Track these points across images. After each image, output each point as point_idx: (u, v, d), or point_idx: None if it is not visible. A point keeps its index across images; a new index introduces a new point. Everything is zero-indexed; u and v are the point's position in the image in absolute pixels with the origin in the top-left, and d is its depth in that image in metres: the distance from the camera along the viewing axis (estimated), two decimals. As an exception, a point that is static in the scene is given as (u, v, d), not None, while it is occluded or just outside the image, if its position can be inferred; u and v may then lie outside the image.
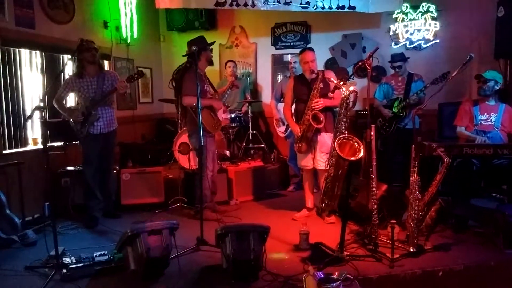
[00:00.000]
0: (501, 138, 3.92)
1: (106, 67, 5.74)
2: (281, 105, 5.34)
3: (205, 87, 4.29)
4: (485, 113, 3.99)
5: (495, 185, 4.16)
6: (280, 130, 5.70)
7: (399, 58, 4.99)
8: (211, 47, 4.33)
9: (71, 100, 4.72)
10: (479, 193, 4.19)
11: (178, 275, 2.88)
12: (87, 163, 4.19)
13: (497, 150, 3.61)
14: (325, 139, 4.05)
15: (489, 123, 3.96)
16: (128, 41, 5.97)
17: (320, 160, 4.06)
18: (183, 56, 4.37)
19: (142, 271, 2.76)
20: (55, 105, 4.11)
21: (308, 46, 6.55)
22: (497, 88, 4.02)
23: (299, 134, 4.06)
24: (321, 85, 3.98)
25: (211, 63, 4.42)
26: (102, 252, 3.05)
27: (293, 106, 4.29)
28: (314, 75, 4.03)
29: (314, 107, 3.95)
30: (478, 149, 3.63)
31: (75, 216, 4.28)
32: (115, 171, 4.72)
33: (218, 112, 4.37)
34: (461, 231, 3.63)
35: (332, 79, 3.90)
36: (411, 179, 3.28)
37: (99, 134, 4.15)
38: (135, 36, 6.02)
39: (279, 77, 6.77)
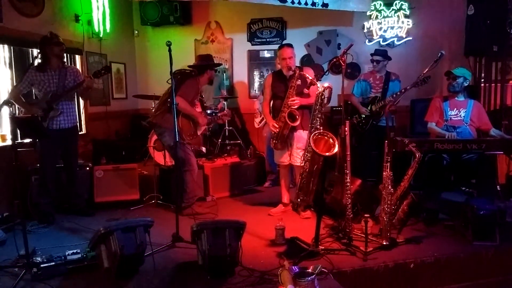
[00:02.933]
0: (470, 133, 4.04)
1: (78, 62, 5.62)
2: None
3: (196, 101, 4.41)
4: (455, 109, 4.10)
5: (464, 179, 4.28)
6: (257, 120, 5.73)
7: (380, 52, 5.02)
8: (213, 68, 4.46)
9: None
10: (449, 187, 4.31)
11: (153, 272, 2.85)
12: (45, 160, 4.07)
13: (466, 145, 3.71)
14: (302, 136, 4.07)
15: (459, 118, 4.07)
16: (101, 36, 5.83)
17: (296, 156, 4.09)
18: (189, 66, 4.46)
19: (116, 269, 2.71)
20: (13, 100, 3.99)
21: (283, 42, 6.59)
22: (466, 84, 4.14)
23: (276, 131, 4.07)
24: (298, 82, 4.00)
25: (211, 83, 4.62)
26: (75, 251, 3.00)
27: (271, 102, 4.30)
28: (291, 72, 4.03)
29: (290, 105, 3.96)
30: (448, 144, 3.72)
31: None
32: (88, 168, 4.62)
33: (199, 129, 4.40)
34: (432, 224, 3.73)
35: (307, 75, 3.92)
36: (384, 174, 3.34)
37: (59, 130, 4.04)
38: (107, 30, 5.89)
39: (256, 73, 6.78)
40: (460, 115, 4.07)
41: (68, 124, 4.11)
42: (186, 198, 4.20)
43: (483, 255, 3.21)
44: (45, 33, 4.04)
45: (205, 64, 4.32)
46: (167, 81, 4.14)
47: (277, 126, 4.06)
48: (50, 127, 3.98)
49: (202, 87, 4.49)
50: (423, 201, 3.80)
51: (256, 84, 6.78)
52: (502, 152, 4.06)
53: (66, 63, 4.34)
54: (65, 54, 5.29)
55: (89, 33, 5.73)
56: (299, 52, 6.50)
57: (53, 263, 2.84)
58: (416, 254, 3.14)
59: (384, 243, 3.26)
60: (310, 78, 3.87)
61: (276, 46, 6.52)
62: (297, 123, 3.95)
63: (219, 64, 4.42)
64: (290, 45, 4.14)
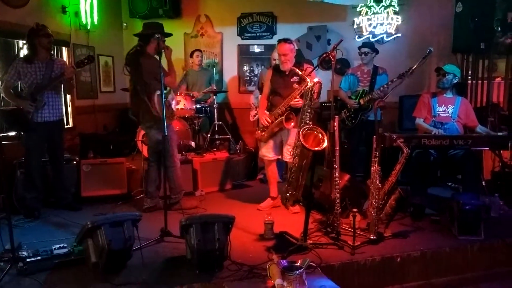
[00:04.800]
0: (457, 129, 4.08)
1: (65, 54, 5.54)
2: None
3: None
4: (443, 105, 4.14)
5: (451, 175, 4.35)
6: (252, 113, 5.75)
7: (368, 45, 5.03)
8: (161, 36, 3.87)
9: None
10: (436, 183, 4.37)
11: (141, 267, 2.83)
12: (30, 153, 4.01)
13: (453, 141, 3.76)
14: (294, 133, 4.00)
15: (447, 114, 4.11)
16: (88, 28, 5.76)
17: (287, 153, 4.07)
18: (134, 35, 4.12)
19: (104, 263, 2.69)
20: (3, 94, 3.92)
21: (274, 37, 6.59)
22: (455, 81, 4.18)
23: (265, 124, 4.06)
24: (296, 79, 3.96)
25: (159, 53, 3.77)
26: (62, 245, 2.95)
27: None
28: (287, 68, 3.96)
29: (293, 105, 3.90)
30: (435, 140, 3.77)
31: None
32: (74, 162, 4.57)
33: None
34: (419, 219, 3.77)
35: (297, 70, 3.91)
36: (372, 169, 3.37)
37: (43, 123, 3.98)
38: (95, 22, 5.82)
39: (246, 68, 6.76)
40: (448, 112, 4.12)
41: (54, 117, 4.05)
42: (173, 194, 4.14)
43: (468, 249, 3.26)
44: (31, 24, 3.96)
45: (149, 33, 3.89)
46: (123, 72, 4.05)
47: (269, 120, 4.04)
48: (35, 120, 3.91)
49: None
50: (410, 196, 3.85)
51: (246, 79, 6.76)
52: (488, 148, 4.13)
53: (53, 55, 4.27)
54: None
55: (76, 25, 5.65)
56: (289, 47, 6.49)
57: (39, 258, 2.81)
58: (402, 248, 3.18)
59: (372, 237, 3.29)
60: (300, 73, 3.85)
61: (266, 41, 6.58)
62: (291, 126, 3.93)
63: (168, 34, 3.97)
64: (287, 40, 4.01)
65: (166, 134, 3.44)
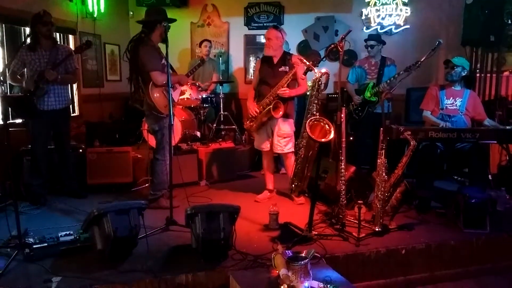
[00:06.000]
0: (464, 122, 4.05)
1: (71, 42, 5.52)
2: None
3: (163, 62, 3.80)
4: (451, 98, 4.10)
5: (457, 168, 4.32)
6: None
7: (374, 37, 4.98)
8: (168, 24, 3.64)
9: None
10: (442, 176, 4.34)
11: (147, 255, 2.84)
12: (36, 141, 4.02)
13: (461, 134, 3.73)
14: (284, 124, 4.01)
15: (454, 107, 4.07)
16: (95, 16, 5.75)
17: (278, 144, 4.04)
18: (137, 22, 3.98)
19: (109, 251, 2.71)
20: (10, 81, 3.92)
21: (281, 27, 6.52)
22: (464, 74, 4.13)
23: (254, 114, 4.03)
24: (286, 69, 3.95)
25: (164, 40, 3.64)
26: (68, 232, 2.98)
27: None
28: (271, 52, 3.97)
29: (280, 94, 3.89)
30: (442, 133, 3.74)
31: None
32: (80, 150, 4.59)
33: (174, 92, 4.04)
34: (424, 212, 3.76)
35: (305, 60, 3.88)
36: (378, 161, 3.35)
37: (49, 111, 3.97)
38: (102, 10, 5.80)
39: (252, 58, 6.73)
40: (456, 104, 4.08)
41: (59, 105, 4.05)
42: (153, 190, 3.95)
43: (473, 243, 3.25)
44: (37, 12, 3.95)
45: (153, 20, 3.75)
46: (123, 59, 3.91)
47: (257, 110, 4.01)
48: (40, 107, 3.91)
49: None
50: (416, 189, 3.83)
51: (253, 69, 6.73)
52: (495, 142, 4.09)
53: (58, 42, 4.25)
54: (58, 34, 5.25)
55: (83, 13, 5.64)
56: (296, 38, 6.46)
57: (46, 244, 2.82)
58: (407, 240, 3.18)
59: (377, 229, 3.29)
60: (308, 63, 3.82)
61: (273, 31, 6.51)
62: (279, 115, 3.90)
63: (172, 20, 3.75)
64: (276, 27, 4.04)
65: (172, 123, 3.41)
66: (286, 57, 4.02)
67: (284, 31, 4.11)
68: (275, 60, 4.02)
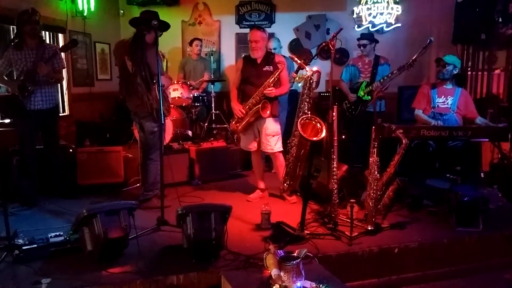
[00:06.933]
0: (456, 120, 4.06)
1: (61, 41, 5.46)
2: None
3: None
4: (442, 96, 4.11)
5: (449, 166, 4.33)
6: None
7: (367, 36, 4.98)
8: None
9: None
10: (434, 174, 4.36)
11: (138, 255, 2.82)
12: (23, 141, 3.96)
13: (452, 132, 3.74)
14: (271, 122, 3.98)
15: (446, 106, 4.08)
16: (85, 14, 5.67)
17: (267, 143, 4.00)
18: (131, 22, 3.78)
19: (99, 252, 2.67)
20: None
21: (272, 26, 6.54)
22: (455, 72, 4.14)
23: (240, 115, 3.97)
24: (270, 68, 3.91)
25: (154, 43, 3.60)
26: (58, 233, 2.93)
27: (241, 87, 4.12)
28: (258, 55, 3.91)
29: (267, 94, 3.85)
30: (434, 131, 3.75)
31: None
32: (71, 150, 4.53)
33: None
34: (417, 210, 3.77)
35: (296, 59, 3.86)
36: (370, 159, 3.35)
37: (37, 111, 3.91)
38: (92, 9, 5.73)
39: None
40: (447, 103, 4.09)
41: (47, 105, 3.99)
42: (145, 190, 3.93)
43: (466, 241, 3.25)
44: (24, 9, 3.88)
45: (157, 24, 3.47)
46: (125, 61, 3.70)
47: (243, 111, 3.96)
48: (28, 107, 3.84)
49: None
50: (408, 187, 3.83)
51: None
52: (487, 140, 4.11)
53: (45, 41, 4.18)
54: (47, 33, 5.19)
55: (72, 11, 5.57)
56: (288, 36, 6.45)
57: (35, 245, 2.78)
58: (400, 239, 3.17)
59: (369, 228, 3.28)
60: (299, 62, 3.80)
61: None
62: (267, 114, 3.87)
63: (166, 26, 3.63)
64: (259, 28, 4.00)
65: (163, 123, 3.39)
66: (269, 57, 3.98)
67: (266, 30, 4.06)
68: (259, 60, 3.96)
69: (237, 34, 6.66)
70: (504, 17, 5.17)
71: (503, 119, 4.59)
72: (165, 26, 3.62)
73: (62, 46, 3.98)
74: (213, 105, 5.86)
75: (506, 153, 4.07)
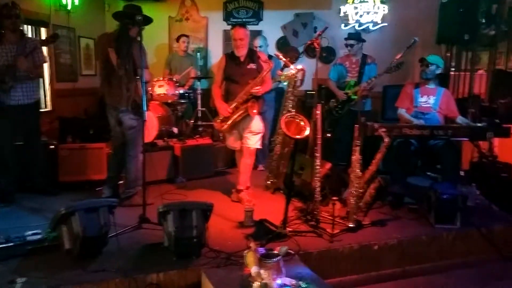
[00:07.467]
0: (438, 119, 4.11)
1: (44, 35, 5.37)
2: None
3: None
4: (425, 96, 4.16)
5: (431, 165, 4.39)
6: None
7: (354, 36, 5.00)
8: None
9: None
10: (416, 172, 4.41)
11: (118, 253, 2.80)
12: (2, 137, 3.88)
13: (433, 131, 3.79)
14: (257, 120, 3.93)
15: (428, 105, 4.13)
16: (69, 8, 5.58)
17: (249, 139, 3.94)
18: (114, 15, 3.80)
19: (78, 250, 2.64)
20: None
21: (260, 23, 6.53)
22: (438, 72, 4.20)
23: (227, 114, 3.89)
24: (254, 66, 3.88)
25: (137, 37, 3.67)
26: (35, 231, 2.90)
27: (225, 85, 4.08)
28: (242, 53, 3.87)
29: (255, 93, 3.81)
30: (416, 130, 3.79)
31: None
32: (52, 146, 4.47)
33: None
34: (397, 208, 3.81)
35: (281, 57, 3.87)
36: (353, 157, 3.37)
37: (17, 106, 3.85)
38: (76, 3, 5.65)
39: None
40: (430, 102, 4.14)
41: (28, 100, 3.93)
42: (128, 188, 3.88)
43: (444, 238, 3.31)
44: (5, 3, 3.81)
45: (142, 19, 3.52)
46: (108, 55, 3.63)
47: (230, 110, 3.88)
48: (8, 102, 3.79)
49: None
50: (390, 185, 3.86)
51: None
52: (467, 139, 4.17)
53: (26, 35, 4.12)
54: (29, 27, 5.10)
55: (56, 5, 5.47)
56: (275, 34, 6.45)
57: (12, 244, 2.74)
58: (380, 236, 3.21)
59: (350, 225, 3.31)
60: (284, 60, 3.80)
61: (252, 27, 6.46)
62: (255, 113, 3.83)
63: (148, 20, 3.60)
64: (243, 25, 3.93)
65: (145, 119, 3.36)
66: (253, 54, 3.93)
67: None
68: (242, 58, 3.89)
69: (224, 31, 6.62)
70: (488, 18, 5.25)
71: (484, 119, 4.65)
72: (147, 21, 3.59)
73: (42, 40, 3.92)
74: (199, 102, 5.82)
75: (485, 152, 4.13)
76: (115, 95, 3.76)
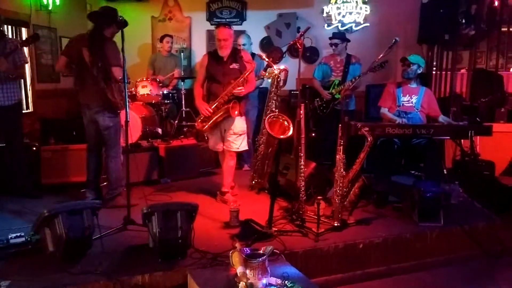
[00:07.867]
0: (420, 119, 4.18)
1: (24, 35, 5.27)
2: None
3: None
4: (407, 95, 4.21)
5: (414, 163, 4.45)
6: None
7: (338, 36, 5.04)
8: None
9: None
10: (399, 171, 4.47)
11: (102, 256, 2.76)
12: None
13: (416, 130, 3.85)
14: (239, 121, 3.89)
15: (410, 104, 4.19)
16: (50, 8, 5.49)
17: (232, 142, 3.90)
18: (90, 15, 3.82)
19: (61, 252, 2.61)
20: None
21: (243, 23, 6.53)
22: (419, 71, 4.26)
23: (207, 114, 3.84)
24: (236, 66, 3.84)
25: (112, 37, 3.72)
26: (18, 234, 2.84)
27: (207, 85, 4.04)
28: (226, 53, 3.82)
29: (237, 94, 3.77)
30: (399, 129, 3.85)
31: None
32: (34, 148, 4.40)
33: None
34: (382, 206, 3.85)
35: (264, 57, 3.88)
36: (337, 157, 3.39)
37: None
38: (57, 3, 5.56)
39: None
40: (412, 101, 4.20)
41: (9, 101, 3.87)
42: (111, 189, 3.84)
43: (427, 236, 3.35)
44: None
45: (123, 19, 3.58)
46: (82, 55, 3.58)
47: (210, 110, 3.83)
48: None
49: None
50: (374, 184, 3.91)
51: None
52: (449, 137, 4.24)
53: (6, 36, 4.04)
54: (9, 27, 5.00)
55: (36, 5, 5.38)
56: (259, 34, 6.45)
57: (-6, 247, 2.70)
58: (365, 234, 3.24)
59: (336, 224, 3.33)
60: (267, 60, 3.81)
61: (235, 27, 6.45)
62: (236, 114, 3.81)
63: (121, 23, 3.53)
64: (227, 25, 3.87)
65: (128, 120, 3.33)
66: (236, 54, 3.88)
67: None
68: (225, 57, 3.84)
69: (208, 31, 6.60)
70: (467, 18, 5.36)
71: (465, 117, 4.74)
72: (124, 24, 3.53)
73: (23, 41, 3.84)
74: (183, 102, 5.79)
75: (467, 150, 4.21)
76: (87, 94, 3.72)
